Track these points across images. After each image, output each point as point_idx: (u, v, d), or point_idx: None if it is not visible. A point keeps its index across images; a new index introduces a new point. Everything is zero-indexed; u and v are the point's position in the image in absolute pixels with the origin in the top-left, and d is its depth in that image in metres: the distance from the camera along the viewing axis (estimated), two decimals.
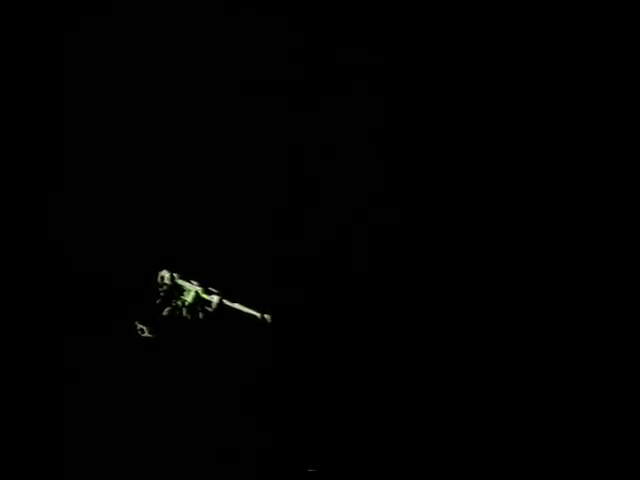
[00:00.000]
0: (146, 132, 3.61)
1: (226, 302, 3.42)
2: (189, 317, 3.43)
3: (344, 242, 3.57)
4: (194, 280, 3.43)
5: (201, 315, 3.44)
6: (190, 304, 3.42)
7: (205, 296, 3.42)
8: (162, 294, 3.44)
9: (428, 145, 3.58)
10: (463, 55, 3.55)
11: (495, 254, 3.53)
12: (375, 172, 3.58)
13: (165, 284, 3.43)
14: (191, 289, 3.42)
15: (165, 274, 3.43)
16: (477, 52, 3.54)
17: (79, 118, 3.61)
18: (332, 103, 3.60)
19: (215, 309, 3.42)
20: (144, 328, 3.39)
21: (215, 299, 3.42)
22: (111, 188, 3.59)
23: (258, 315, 3.41)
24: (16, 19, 3.57)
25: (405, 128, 3.58)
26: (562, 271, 3.51)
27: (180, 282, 3.43)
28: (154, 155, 3.60)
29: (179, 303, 3.43)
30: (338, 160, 3.60)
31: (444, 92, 3.56)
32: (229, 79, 3.63)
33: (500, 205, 3.57)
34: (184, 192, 3.61)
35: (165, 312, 3.43)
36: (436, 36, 3.55)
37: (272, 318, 3.40)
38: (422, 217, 3.56)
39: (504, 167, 3.57)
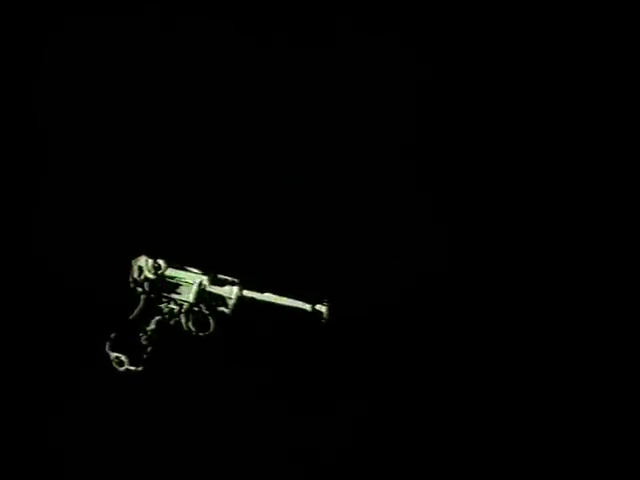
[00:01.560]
0: (141, 130, 3.59)
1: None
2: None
3: (343, 241, 3.56)
4: (193, 280, 3.40)
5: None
6: (190, 304, 3.38)
7: (205, 296, 3.39)
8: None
9: None
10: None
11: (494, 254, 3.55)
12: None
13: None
14: (191, 289, 3.38)
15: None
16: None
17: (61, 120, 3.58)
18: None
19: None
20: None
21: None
22: (106, 184, 3.56)
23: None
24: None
25: None
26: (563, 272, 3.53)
27: (179, 282, 3.39)
28: (152, 151, 3.58)
29: (178, 304, 3.39)
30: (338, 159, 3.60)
31: None
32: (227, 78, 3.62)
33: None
34: (183, 194, 3.59)
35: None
36: None
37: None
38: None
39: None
